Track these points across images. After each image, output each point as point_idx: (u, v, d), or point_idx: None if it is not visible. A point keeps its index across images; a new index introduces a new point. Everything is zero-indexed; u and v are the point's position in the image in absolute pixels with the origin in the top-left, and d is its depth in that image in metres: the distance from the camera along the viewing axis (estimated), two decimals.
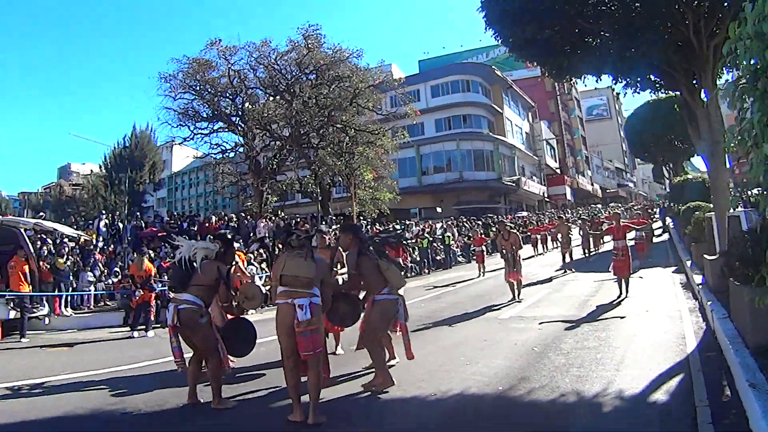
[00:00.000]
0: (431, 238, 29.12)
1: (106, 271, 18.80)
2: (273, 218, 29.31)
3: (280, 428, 6.00)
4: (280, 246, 6.85)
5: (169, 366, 8.77)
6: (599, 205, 72.15)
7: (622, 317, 10.74)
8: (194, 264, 7.08)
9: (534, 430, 5.44)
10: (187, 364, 7.05)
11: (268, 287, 15.04)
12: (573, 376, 6.92)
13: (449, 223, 36.72)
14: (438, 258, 29.48)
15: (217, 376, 6.88)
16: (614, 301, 12.73)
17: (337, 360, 9.18)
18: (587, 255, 25.32)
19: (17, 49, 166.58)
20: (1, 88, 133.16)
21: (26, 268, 14.30)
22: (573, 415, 5.64)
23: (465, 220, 40.00)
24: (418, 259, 27.56)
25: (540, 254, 31.20)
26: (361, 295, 7.67)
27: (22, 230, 15.51)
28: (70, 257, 17.42)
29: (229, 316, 8.11)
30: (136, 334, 13.41)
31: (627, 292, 13.19)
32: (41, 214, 49.88)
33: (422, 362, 8.33)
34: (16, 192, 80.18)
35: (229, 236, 8.58)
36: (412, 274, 25.30)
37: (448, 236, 30.95)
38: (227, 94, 32.81)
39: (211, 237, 8.83)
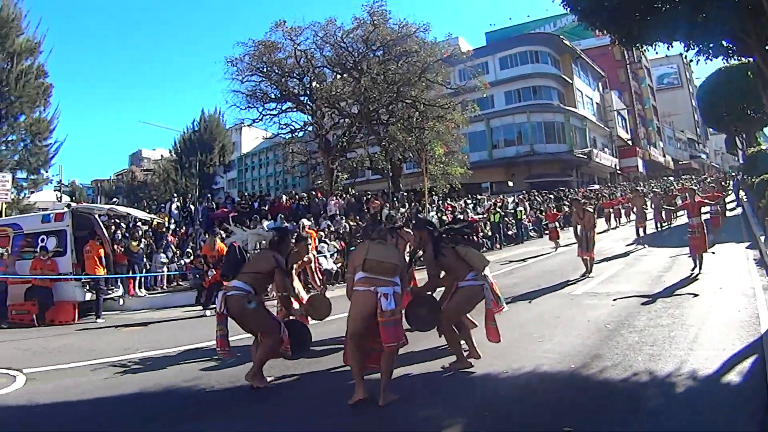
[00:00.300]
0: (503, 213, 28.81)
1: (178, 252, 19.41)
2: (344, 196, 29.44)
3: (345, 410, 5.84)
4: (355, 227, 6.38)
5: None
6: (671, 178, 70.01)
7: (695, 294, 10.50)
8: (246, 252, 7.16)
9: (606, 410, 5.37)
10: (229, 352, 7.10)
11: (338, 264, 14.93)
12: (646, 354, 6.86)
13: (521, 197, 36.32)
14: (510, 233, 29.12)
15: (268, 353, 6.90)
16: (688, 277, 12.47)
17: (412, 334, 9.28)
18: (661, 229, 24.77)
19: (87, 46, 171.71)
20: (75, 86, 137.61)
21: (101, 252, 14.92)
22: (645, 396, 5.55)
23: (536, 193, 39.48)
24: (489, 234, 27.31)
25: (613, 228, 30.44)
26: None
27: (97, 216, 16.15)
28: (143, 240, 18.01)
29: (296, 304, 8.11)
30: (208, 312, 13.71)
31: (701, 268, 12.90)
32: (114, 199, 51.50)
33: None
34: (89, 180, 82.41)
35: (286, 228, 8.66)
36: (484, 249, 25.22)
37: (520, 210, 30.51)
38: (294, 74, 33.04)
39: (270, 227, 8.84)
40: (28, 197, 34.64)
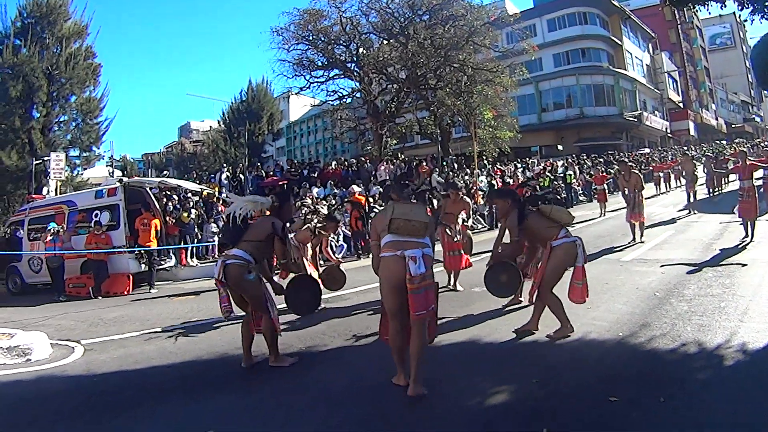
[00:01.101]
0: (552, 177, 28.54)
1: (288, 224, 19.54)
2: (393, 161, 29.49)
3: (364, 390, 5.66)
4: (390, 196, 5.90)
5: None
6: (724, 141, 68.13)
7: (746, 264, 10.32)
8: (246, 220, 6.94)
9: (653, 381, 5.36)
10: (233, 309, 6.91)
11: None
12: (695, 324, 6.82)
13: (570, 160, 35.91)
14: (561, 197, 28.69)
15: (270, 332, 6.73)
16: (739, 245, 12.29)
17: (458, 300, 9.66)
18: (712, 194, 24.36)
19: (133, 22, 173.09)
20: (123, 63, 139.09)
21: (153, 224, 15.25)
22: (693, 368, 5.55)
23: (586, 157, 39.01)
24: None
25: (663, 193, 30.12)
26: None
27: (148, 189, 16.60)
28: (194, 210, 18.35)
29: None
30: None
31: (753, 236, 12.65)
32: (165, 172, 52.30)
33: None
34: (140, 154, 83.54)
35: (286, 191, 8.64)
36: None
37: (569, 174, 30.16)
38: (341, 42, 33.14)
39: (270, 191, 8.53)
40: (81, 174, 35.77)
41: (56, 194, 22.58)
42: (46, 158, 27.21)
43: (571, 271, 7.09)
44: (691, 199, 20.33)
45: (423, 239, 5.37)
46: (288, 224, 7.22)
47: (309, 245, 10.56)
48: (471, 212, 11.91)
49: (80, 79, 33.07)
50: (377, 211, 14.15)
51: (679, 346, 6.14)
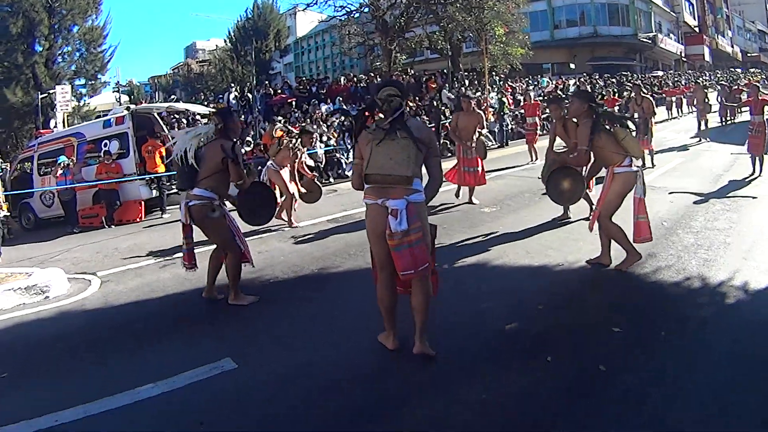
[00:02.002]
0: (563, 95, 28.20)
1: (238, 141, 19.51)
2: (403, 77, 29.19)
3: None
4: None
5: (303, 231, 9.51)
6: (738, 70, 67.00)
7: (754, 197, 10.30)
8: (198, 157, 6.51)
9: (657, 313, 5.47)
10: (196, 266, 6.87)
11: None
12: (700, 258, 6.86)
13: (582, 79, 35.47)
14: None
15: (234, 269, 6.57)
16: (747, 178, 12.20)
17: (468, 221, 9.74)
18: (724, 123, 24.14)
19: None
20: None
21: (158, 150, 15.20)
22: (695, 303, 5.61)
23: (598, 77, 38.54)
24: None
25: (674, 118, 29.73)
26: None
27: (156, 114, 16.58)
28: None
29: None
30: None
31: (761, 171, 12.48)
32: (173, 96, 52.09)
33: (552, 228, 8.83)
34: (146, 78, 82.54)
35: (225, 108, 8.41)
36: (543, 132, 24.95)
37: (562, 97, 29.47)
38: None
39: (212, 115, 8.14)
40: (88, 103, 35.99)
41: (64, 127, 22.44)
42: (51, 91, 27.18)
43: (632, 207, 6.82)
44: (702, 127, 20.15)
45: (410, 185, 4.52)
46: (238, 142, 6.92)
47: (287, 167, 10.82)
48: (485, 122, 11.94)
49: (81, 9, 33.32)
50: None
51: (684, 280, 6.20)
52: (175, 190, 15.57)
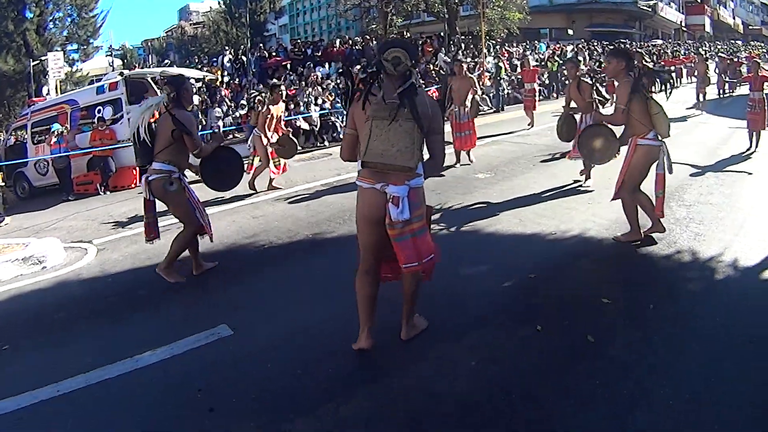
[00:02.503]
0: (561, 61, 28.09)
1: (233, 104, 19.53)
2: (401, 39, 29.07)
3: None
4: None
5: (298, 196, 9.86)
6: (740, 42, 66.67)
7: (749, 173, 10.27)
8: (153, 131, 6.38)
9: (646, 286, 5.51)
10: (158, 237, 6.75)
11: None
12: (692, 232, 6.89)
13: (580, 46, 35.35)
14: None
15: (182, 243, 6.46)
16: (743, 153, 12.16)
17: (461, 186, 9.85)
18: (722, 96, 24.02)
19: None
20: None
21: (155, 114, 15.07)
22: (685, 277, 5.65)
23: (597, 43, 38.36)
24: (547, 82, 27.09)
25: (674, 88, 29.37)
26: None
27: (149, 79, 16.35)
28: (197, 97, 18.21)
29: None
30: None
31: (757, 146, 12.43)
32: (167, 60, 51.76)
33: (545, 196, 8.90)
34: (139, 41, 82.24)
35: (175, 76, 8.27)
36: (541, 98, 24.89)
37: (579, 60, 29.38)
38: None
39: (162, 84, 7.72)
40: (81, 68, 35.96)
41: (57, 94, 22.27)
42: (43, 58, 27.02)
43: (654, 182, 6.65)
44: (701, 99, 20.10)
45: (410, 171, 4.00)
46: (193, 108, 6.50)
47: (269, 129, 10.90)
48: (477, 86, 12.05)
49: None
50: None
51: (674, 253, 6.23)
52: None
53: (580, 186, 9.46)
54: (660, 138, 6.41)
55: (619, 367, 4.04)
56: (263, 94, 11.51)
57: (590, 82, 9.96)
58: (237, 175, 7.14)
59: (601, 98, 9.72)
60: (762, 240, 6.50)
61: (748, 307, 4.95)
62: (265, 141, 10.82)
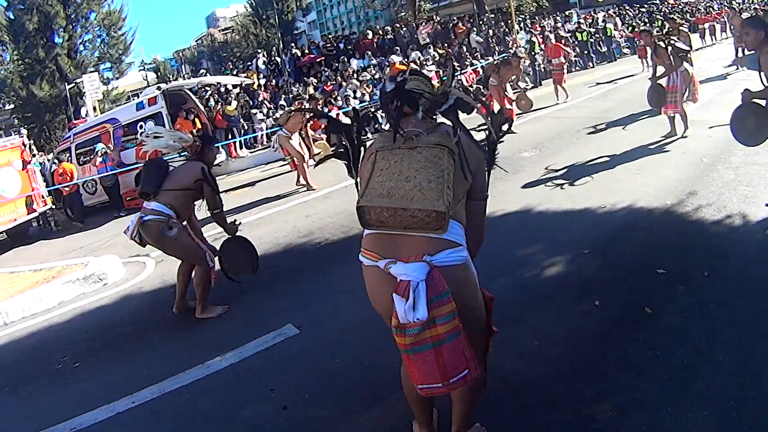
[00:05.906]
0: (591, 31, 27.84)
1: (272, 106, 19.72)
2: (432, 23, 29.03)
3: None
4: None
5: (349, 192, 9.86)
6: None
7: None
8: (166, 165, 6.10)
9: (699, 253, 5.48)
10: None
11: None
12: (740, 195, 6.80)
13: (611, 12, 34.70)
14: (602, 51, 28.15)
15: (203, 282, 5.97)
16: None
17: (508, 165, 9.57)
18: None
19: None
20: None
21: (193, 124, 15.58)
22: (736, 241, 5.62)
23: (628, 7, 37.65)
24: (575, 53, 26.57)
25: (708, 46, 28.73)
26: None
27: (187, 90, 16.84)
28: (237, 101, 18.52)
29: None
30: (310, 162, 14.08)
31: None
32: (201, 70, 52.32)
33: (593, 170, 8.82)
34: (171, 53, 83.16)
35: (209, 135, 8.19)
36: (576, 68, 24.55)
37: (609, 27, 29.05)
38: None
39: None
40: (116, 86, 37.45)
41: (96, 114, 22.82)
42: (78, 81, 27.74)
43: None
44: (739, 54, 19.50)
45: (440, 230, 2.50)
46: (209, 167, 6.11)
47: (296, 134, 11.46)
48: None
49: None
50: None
51: (725, 218, 6.17)
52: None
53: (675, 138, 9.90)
54: None
55: (678, 335, 4.09)
56: (303, 102, 11.81)
57: (664, 45, 10.10)
58: (254, 264, 6.56)
59: (681, 53, 10.08)
60: None
61: None
62: (295, 142, 11.32)
